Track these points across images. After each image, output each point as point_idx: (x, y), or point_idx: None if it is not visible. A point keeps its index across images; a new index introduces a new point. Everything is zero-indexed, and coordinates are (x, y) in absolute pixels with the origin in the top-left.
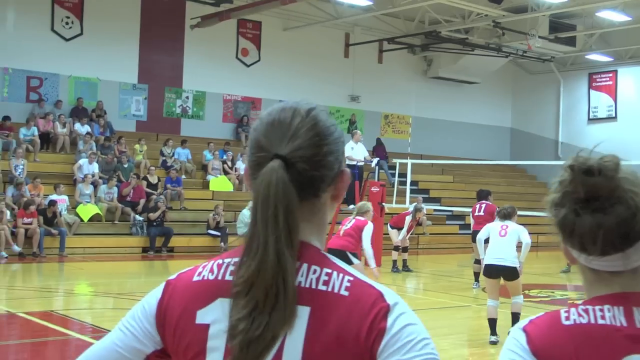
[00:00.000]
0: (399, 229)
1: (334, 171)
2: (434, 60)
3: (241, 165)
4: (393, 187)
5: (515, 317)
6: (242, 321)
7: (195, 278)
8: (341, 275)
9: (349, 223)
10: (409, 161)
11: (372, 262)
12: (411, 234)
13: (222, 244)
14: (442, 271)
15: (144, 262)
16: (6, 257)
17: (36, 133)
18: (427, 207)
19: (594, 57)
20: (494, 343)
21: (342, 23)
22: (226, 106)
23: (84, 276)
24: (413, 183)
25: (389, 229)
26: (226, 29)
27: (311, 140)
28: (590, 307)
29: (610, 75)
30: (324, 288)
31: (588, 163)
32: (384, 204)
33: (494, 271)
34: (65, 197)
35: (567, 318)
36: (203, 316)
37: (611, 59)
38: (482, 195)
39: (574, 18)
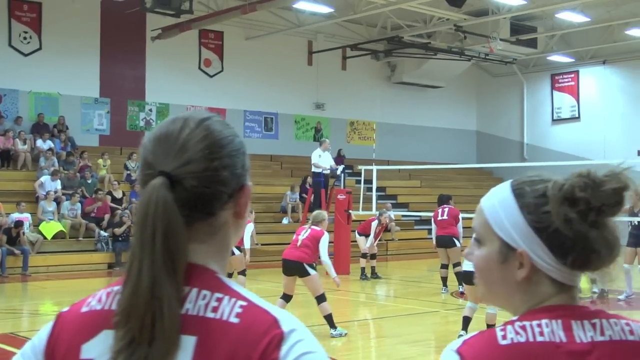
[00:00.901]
0: (367, 235)
1: (231, 187)
2: (398, 66)
3: None
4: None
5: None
6: (121, 354)
7: (84, 309)
8: (233, 300)
9: (304, 233)
10: (374, 167)
11: (332, 272)
12: (380, 241)
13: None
14: (411, 277)
15: (110, 279)
16: None
17: None
18: (395, 213)
19: (556, 58)
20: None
21: (304, 31)
22: None
23: (48, 295)
24: (380, 189)
25: (357, 236)
26: (188, 40)
27: (202, 153)
28: (527, 324)
29: (572, 75)
30: (212, 315)
31: (627, 184)
32: (350, 211)
33: (465, 276)
34: (28, 215)
35: (504, 337)
36: (88, 350)
37: (572, 60)
38: (444, 199)
39: (535, 20)
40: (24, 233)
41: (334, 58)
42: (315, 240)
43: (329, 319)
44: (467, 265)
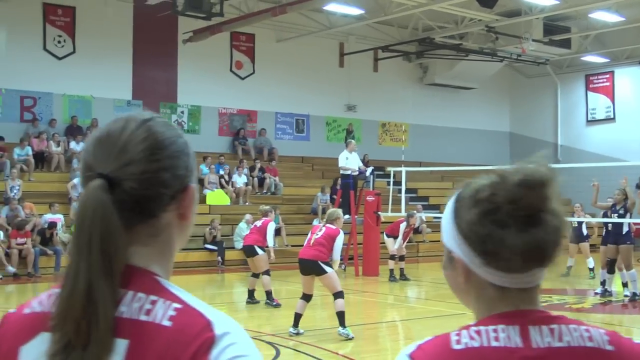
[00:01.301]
0: (395, 237)
1: (174, 188)
2: (430, 67)
3: (237, 179)
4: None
5: None
6: (56, 357)
7: (26, 310)
8: (167, 302)
9: (319, 231)
10: (403, 169)
11: (335, 266)
12: (410, 242)
13: (219, 258)
14: (442, 279)
15: None
16: (1, 278)
17: (30, 153)
18: (426, 215)
19: (590, 58)
20: None
21: (336, 33)
22: (222, 119)
23: None
24: (412, 191)
25: (385, 237)
26: (219, 42)
27: (142, 154)
28: (483, 328)
29: (607, 76)
30: (145, 318)
31: (534, 175)
32: (379, 212)
33: None
34: (61, 216)
35: (458, 342)
36: (26, 353)
37: (607, 60)
38: None
39: (569, 20)
40: (57, 234)
41: (366, 60)
42: (331, 238)
43: (341, 316)
44: None
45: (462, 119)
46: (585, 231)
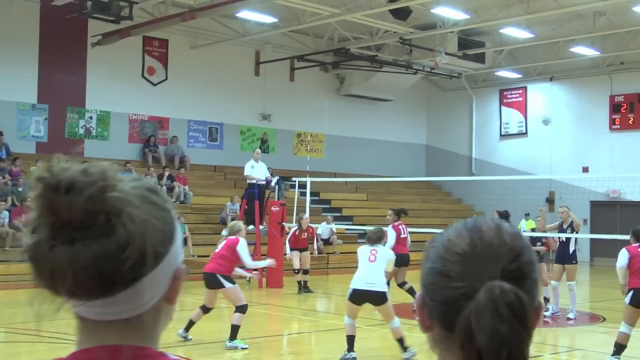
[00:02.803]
0: (299, 249)
1: None
2: (347, 78)
3: None
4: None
5: (401, 342)
6: None
7: None
8: None
9: (220, 244)
10: (308, 179)
11: (262, 263)
12: (320, 254)
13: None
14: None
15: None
16: None
17: None
18: (337, 226)
19: (504, 73)
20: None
21: (251, 41)
22: (132, 126)
23: None
24: (325, 202)
25: (289, 251)
26: (131, 47)
27: None
28: None
29: (520, 91)
30: None
31: (60, 176)
32: (284, 223)
33: (360, 296)
34: None
35: None
36: None
37: (520, 76)
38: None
39: (483, 35)
40: None
41: (282, 69)
42: (231, 249)
43: (234, 329)
44: (379, 286)
45: (379, 131)
46: None
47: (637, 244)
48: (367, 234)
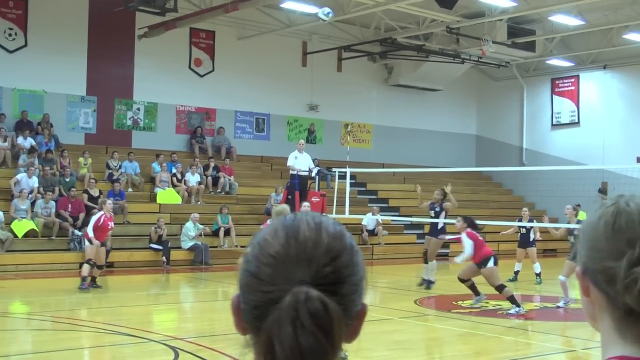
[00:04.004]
0: None
1: None
2: (395, 68)
3: (190, 177)
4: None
5: None
6: None
7: None
8: None
9: None
10: (348, 170)
11: None
12: (364, 244)
13: (164, 258)
14: (397, 282)
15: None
16: None
17: None
18: (383, 217)
19: (556, 62)
20: None
21: (298, 31)
22: (179, 117)
23: (17, 294)
24: (372, 192)
25: None
26: (178, 39)
27: None
28: None
29: (572, 80)
30: None
31: None
32: (325, 214)
33: None
34: (0, 213)
35: None
36: None
37: (572, 64)
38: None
39: (533, 23)
40: None
41: (329, 59)
42: None
43: None
44: None
45: (427, 121)
46: (532, 236)
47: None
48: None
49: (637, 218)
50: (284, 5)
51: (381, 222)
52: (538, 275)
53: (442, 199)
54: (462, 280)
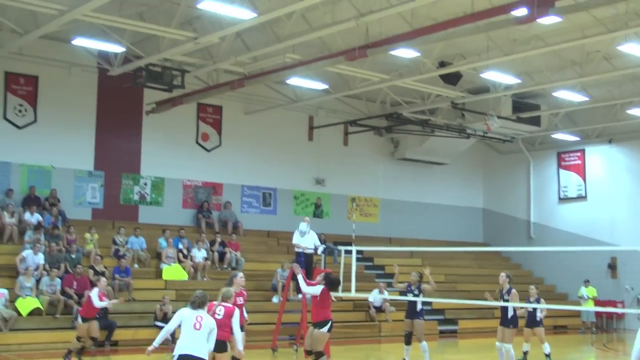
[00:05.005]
0: None
1: None
2: (401, 142)
3: (196, 253)
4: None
5: None
6: None
7: None
8: None
9: (220, 312)
10: (354, 248)
11: (240, 346)
12: (372, 321)
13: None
14: None
15: (85, 358)
16: None
17: None
18: (391, 293)
19: (561, 136)
20: None
21: (304, 106)
22: (186, 192)
23: None
24: (379, 267)
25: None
26: (185, 114)
27: None
28: None
29: (579, 154)
30: None
31: None
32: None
33: None
34: (5, 291)
35: None
36: None
37: (578, 138)
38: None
39: (538, 98)
40: None
41: (336, 133)
42: (229, 317)
43: None
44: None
45: (434, 195)
46: (539, 315)
47: None
48: (192, 297)
49: None
50: (290, 81)
51: (388, 298)
52: (548, 356)
53: (419, 281)
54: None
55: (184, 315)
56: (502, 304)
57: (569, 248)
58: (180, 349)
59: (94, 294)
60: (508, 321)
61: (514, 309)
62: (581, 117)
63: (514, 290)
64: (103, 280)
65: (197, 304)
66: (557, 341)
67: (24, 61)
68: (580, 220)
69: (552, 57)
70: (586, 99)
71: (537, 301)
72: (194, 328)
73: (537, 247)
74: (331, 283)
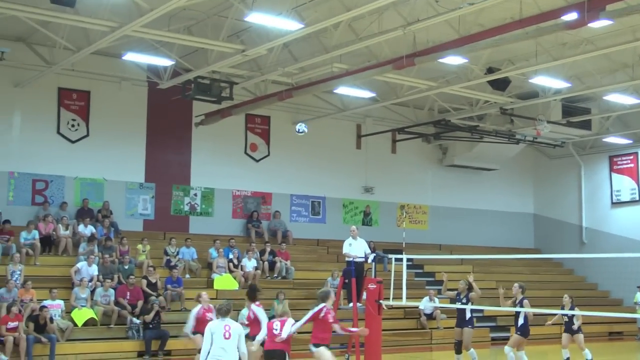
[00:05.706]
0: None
1: None
2: (449, 148)
3: (247, 263)
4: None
5: None
6: None
7: None
8: None
9: (277, 325)
10: (404, 256)
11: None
12: (423, 329)
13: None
14: None
15: None
16: None
17: (37, 236)
18: (440, 301)
19: (613, 139)
20: None
21: (352, 114)
22: (236, 202)
23: None
24: (429, 274)
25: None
26: (234, 125)
27: None
28: None
29: (632, 157)
30: None
31: None
32: (381, 301)
33: None
34: (61, 302)
35: None
36: None
37: (630, 141)
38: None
39: (589, 101)
40: (51, 320)
41: (384, 141)
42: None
43: None
44: None
45: (484, 201)
46: (576, 323)
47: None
48: (217, 306)
49: None
50: (337, 90)
51: (438, 304)
52: None
53: (467, 289)
54: None
55: (212, 328)
56: (508, 308)
57: (621, 255)
58: (213, 358)
59: (196, 311)
60: (517, 329)
61: (525, 318)
62: (633, 119)
63: (526, 301)
64: (204, 294)
65: (223, 312)
66: (611, 347)
67: (76, 77)
68: (635, 224)
69: (603, 60)
70: (638, 101)
71: (572, 309)
72: (224, 338)
73: (589, 253)
74: (250, 291)
